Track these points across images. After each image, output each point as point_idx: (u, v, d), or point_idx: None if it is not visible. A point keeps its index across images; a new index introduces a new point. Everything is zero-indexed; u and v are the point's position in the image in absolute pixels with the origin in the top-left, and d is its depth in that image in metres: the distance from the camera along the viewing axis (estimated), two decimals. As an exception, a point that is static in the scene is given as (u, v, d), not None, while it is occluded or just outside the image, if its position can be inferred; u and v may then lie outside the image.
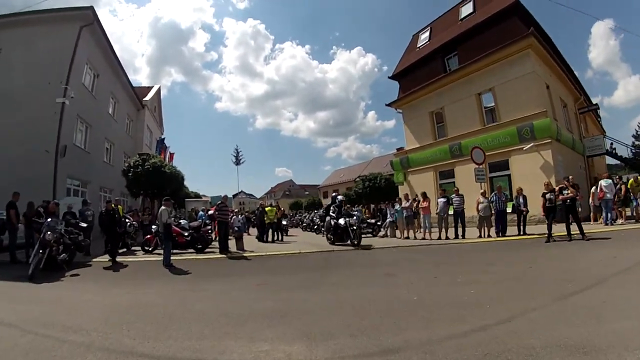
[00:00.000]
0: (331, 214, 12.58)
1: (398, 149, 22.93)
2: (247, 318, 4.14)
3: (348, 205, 26.65)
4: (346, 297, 5.01)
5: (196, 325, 3.93)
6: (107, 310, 4.67)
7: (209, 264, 9.16)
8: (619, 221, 12.14)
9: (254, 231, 17.67)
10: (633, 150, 23.81)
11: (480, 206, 11.95)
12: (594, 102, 24.37)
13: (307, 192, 67.97)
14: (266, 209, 14.92)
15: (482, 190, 12.65)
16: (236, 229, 12.11)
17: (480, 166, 13.52)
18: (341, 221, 11.64)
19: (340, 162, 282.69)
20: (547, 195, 9.99)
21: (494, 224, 11.92)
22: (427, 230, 12.70)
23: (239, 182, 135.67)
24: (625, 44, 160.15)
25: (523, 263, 6.86)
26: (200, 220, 12.08)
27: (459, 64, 18.93)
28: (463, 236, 12.07)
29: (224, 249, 10.36)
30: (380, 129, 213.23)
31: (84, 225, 10.35)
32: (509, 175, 16.47)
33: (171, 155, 28.55)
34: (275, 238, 14.98)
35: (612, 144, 21.35)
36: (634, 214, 12.58)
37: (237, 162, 63.93)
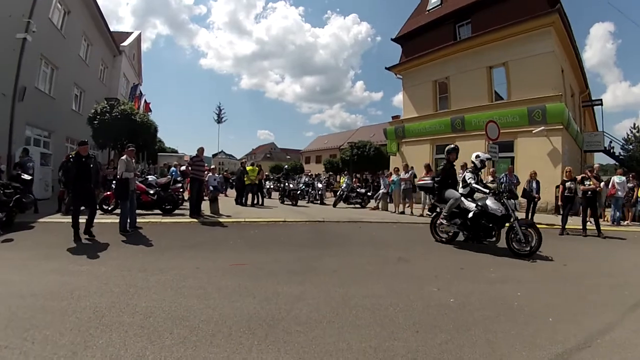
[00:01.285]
0: None
1: (394, 117, 21.40)
2: (213, 332, 2.69)
3: (330, 173, 25.57)
4: (357, 296, 3.64)
5: (126, 339, 2.49)
6: (16, 298, 3.19)
7: (175, 230, 7.55)
8: (625, 222, 11.37)
9: (232, 193, 16.05)
10: (624, 154, 23.36)
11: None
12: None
13: (288, 157, 66.14)
14: (247, 168, 13.34)
15: (493, 169, 11.41)
16: (211, 188, 10.50)
17: (493, 142, 12.20)
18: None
19: (324, 129, 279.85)
20: (568, 184, 9.12)
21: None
22: (426, 207, 11.47)
23: (219, 141, 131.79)
24: (622, 50, 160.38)
25: (554, 258, 5.69)
26: (169, 177, 10.34)
27: (471, 33, 17.34)
28: None
29: (195, 212, 8.81)
30: (367, 100, 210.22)
31: (27, 177, 8.56)
32: (512, 158, 15.47)
33: (147, 104, 25.90)
34: (255, 202, 13.54)
35: (610, 142, 20.68)
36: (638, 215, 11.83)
37: (219, 120, 61.52)
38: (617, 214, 11.09)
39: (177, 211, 9.53)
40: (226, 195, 17.31)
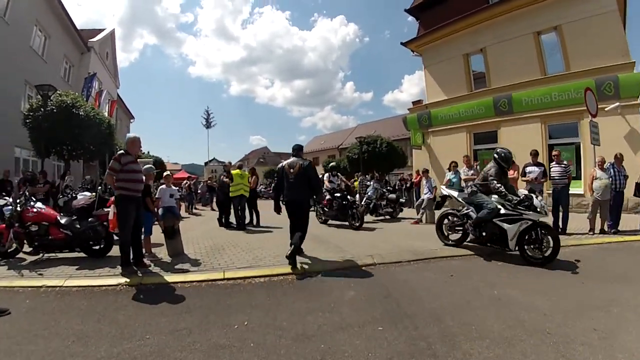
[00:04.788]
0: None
1: (415, 103, 17.47)
2: None
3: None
4: None
5: None
6: None
7: (72, 316, 3.31)
8: None
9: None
10: None
11: (596, 183, 7.36)
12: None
13: (282, 160, 61.97)
14: (233, 172, 9.35)
15: (597, 159, 7.60)
16: (161, 210, 5.72)
17: (594, 119, 8.38)
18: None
19: (315, 131, 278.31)
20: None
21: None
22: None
23: (209, 147, 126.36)
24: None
25: None
26: (92, 195, 6.06)
27: None
28: (564, 230, 7.38)
29: (125, 262, 4.53)
30: (357, 100, 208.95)
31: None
32: (577, 145, 12.06)
33: (113, 103, 21.67)
34: (248, 221, 9.53)
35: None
36: None
37: (208, 124, 57.56)
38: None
39: (112, 252, 5.42)
40: (212, 209, 13.28)
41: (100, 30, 25.04)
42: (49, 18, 16.85)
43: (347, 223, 9.01)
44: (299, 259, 5.02)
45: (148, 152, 28.22)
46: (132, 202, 4.49)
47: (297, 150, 5.58)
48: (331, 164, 9.82)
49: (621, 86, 10.81)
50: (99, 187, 5.58)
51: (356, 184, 17.56)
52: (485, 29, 14.27)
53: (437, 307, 3.40)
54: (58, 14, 17.42)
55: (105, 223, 5.37)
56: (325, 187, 9.76)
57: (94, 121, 11.62)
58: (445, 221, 6.42)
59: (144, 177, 4.88)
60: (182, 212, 14.22)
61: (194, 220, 12.27)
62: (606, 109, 10.81)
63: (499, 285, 4.09)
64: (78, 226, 5.40)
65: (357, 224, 8.60)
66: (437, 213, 7.38)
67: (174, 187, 5.64)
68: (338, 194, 9.40)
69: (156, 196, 5.36)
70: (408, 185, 16.11)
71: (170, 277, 4.36)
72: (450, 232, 6.36)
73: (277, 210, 5.52)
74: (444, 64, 15.70)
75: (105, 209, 5.44)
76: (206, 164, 71.96)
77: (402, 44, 16.94)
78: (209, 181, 19.04)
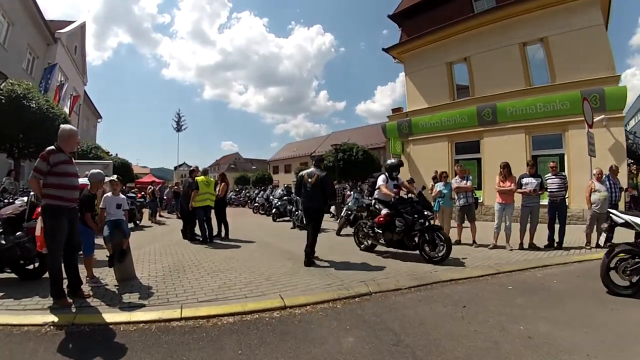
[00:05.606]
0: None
1: (394, 110, 16.95)
2: None
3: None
4: None
5: None
6: None
7: None
8: None
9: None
10: None
11: (595, 196, 6.98)
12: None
13: (254, 167, 60.54)
14: (197, 179, 8.15)
15: (595, 170, 7.21)
16: (106, 229, 4.40)
17: (591, 130, 8.01)
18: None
19: (288, 139, 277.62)
20: None
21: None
22: (500, 232, 7.13)
23: (179, 151, 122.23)
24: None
25: None
26: (22, 203, 4.87)
27: (496, 3, 13.69)
28: (560, 244, 7.03)
29: (56, 293, 3.47)
30: (330, 109, 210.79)
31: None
32: (561, 156, 11.88)
33: (75, 98, 19.88)
34: (216, 233, 8.51)
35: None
36: None
37: (179, 128, 55.48)
38: None
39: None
40: (178, 217, 12.13)
41: (71, 22, 23.13)
42: (13, 3, 15.24)
43: (414, 252, 6.04)
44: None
45: (116, 154, 26.47)
46: (63, 215, 3.44)
47: (318, 161, 6.03)
48: (390, 161, 6.77)
49: (607, 99, 10.78)
50: (32, 193, 4.43)
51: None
52: (470, 38, 14.02)
53: (464, 356, 2.62)
54: (27, 5, 15.89)
55: (29, 235, 4.24)
56: (379, 193, 6.48)
57: (47, 115, 10.25)
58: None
59: (86, 182, 3.86)
60: (145, 220, 12.92)
61: (156, 230, 11.04)
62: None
63: (521, 317, 3.41)
64: (3, 242, 4.27)
65: (442, 255, 5.68)
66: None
67: (122, 196, 4.52)
68: (406, 206, 6.11)
69: (100, 206, 4.28)
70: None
71: (111, 316, 3.30)
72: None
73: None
74: (426, 71, 15.32)
75: (31, 223, 4.29)
76: (176, 168, 69.74)
77: (383, 49, 16.45)
78: (175, 187, 17.62)
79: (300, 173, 6.09)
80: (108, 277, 4.49)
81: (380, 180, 6.40)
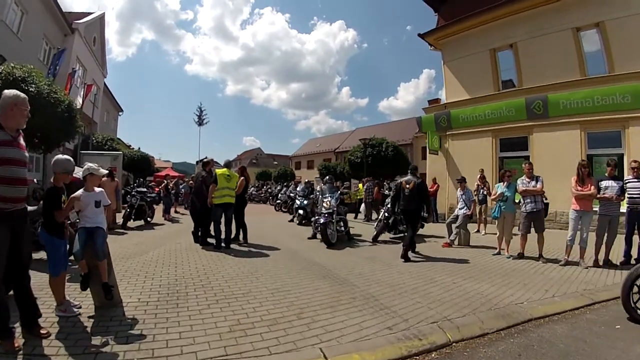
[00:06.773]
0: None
1: (431, 102, 15.50)
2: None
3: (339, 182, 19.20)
4: None
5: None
6: None
7: None
8: None
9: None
10: None
11: None
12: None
13: (275, 162, 59.70)
14: (218, 171, 7.12)
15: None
16: (77, 240, 3.21)
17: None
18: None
19: (309, 135, 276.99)
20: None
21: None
22: (572, 246, 5.85)
23: (200, 146, 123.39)
24: None
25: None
26: None
27: None
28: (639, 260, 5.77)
29: (5, 332, 2.40)
30: (353, 105, 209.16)
31: None
32: (620, 155, 10.21)
33: (89, 87, 19.21)
34: (233, 235, 7.43)
35: None
36: None
37: (200, 122, 55.15)
38: None
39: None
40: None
41: (89, 14, 22.85)
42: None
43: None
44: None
45: (139, 148, 26.01)
46: (3, 222, 2.37)
47: (414, 169, 6.78)
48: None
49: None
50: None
51: (361, 187, 15.54)
52: (516, 22, 12.45)
53: None
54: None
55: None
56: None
57: (48, 100, 9.38)
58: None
59: (79, 176, 2.77)
60: (158, 217, 11.99)
61: (167, 230, 10.10)
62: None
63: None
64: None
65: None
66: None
67: (97, 189, 3.24)
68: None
69: (75, 209, 3.14)
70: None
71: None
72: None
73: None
74: (466, 59, 13.80)
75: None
76: (197, 162, 69.43)
77: (419, 35, 14.99)
78: (191, 181, 16.68)
79: (398, 180, 7.27)
80: (86, 299, 3.42)
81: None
